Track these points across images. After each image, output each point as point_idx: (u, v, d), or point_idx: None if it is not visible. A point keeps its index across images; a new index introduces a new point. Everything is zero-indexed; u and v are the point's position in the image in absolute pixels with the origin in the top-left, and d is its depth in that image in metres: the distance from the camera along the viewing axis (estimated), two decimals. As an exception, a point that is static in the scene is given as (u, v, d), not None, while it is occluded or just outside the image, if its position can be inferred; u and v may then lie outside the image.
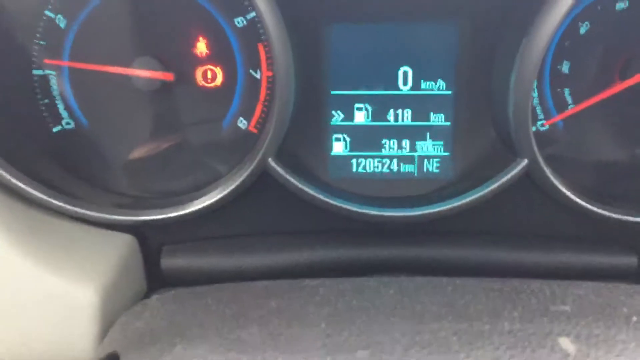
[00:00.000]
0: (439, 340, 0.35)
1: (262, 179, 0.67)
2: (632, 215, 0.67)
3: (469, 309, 0.39)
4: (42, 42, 0.69)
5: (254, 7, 0.62)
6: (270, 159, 0.65)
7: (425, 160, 0.73)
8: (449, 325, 0.37)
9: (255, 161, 0.64)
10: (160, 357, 0.39)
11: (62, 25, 0.69)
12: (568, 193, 0.65)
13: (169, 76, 0.69)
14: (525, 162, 0.64)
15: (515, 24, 0.63)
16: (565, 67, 0.70)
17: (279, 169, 0.65)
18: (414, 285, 0.44)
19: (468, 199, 0.65)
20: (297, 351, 0.37)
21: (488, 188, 0.65)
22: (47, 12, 0.69)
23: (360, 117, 0.72)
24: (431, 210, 0.65)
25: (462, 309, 0.39)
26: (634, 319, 0.39)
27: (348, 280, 0.47)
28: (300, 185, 0.66)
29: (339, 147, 0.73)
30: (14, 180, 0.60)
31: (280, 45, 0.63)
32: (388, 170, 0.74)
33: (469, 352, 0.35)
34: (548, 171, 0.64)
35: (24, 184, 0.61)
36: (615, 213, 0.66)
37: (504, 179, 0.65)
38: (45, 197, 0.62)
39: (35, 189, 0.62)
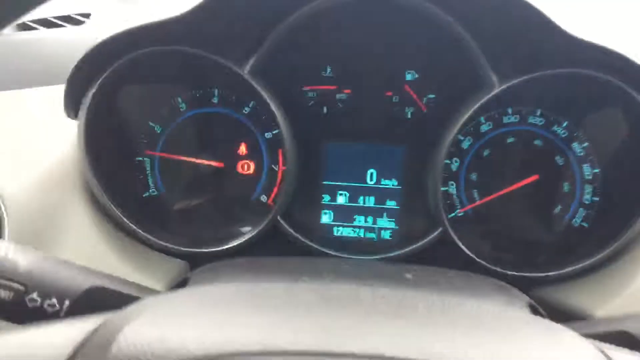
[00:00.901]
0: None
1: (273, 236, 1.03)
2: (519, 272, 0.94)
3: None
4: (144, 140, 1.10)
5: (278, 128, 1.01)
6: (278, 217, 1.01)
7: (382, 230, 1.09)
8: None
9: (269, 218, 1.00)
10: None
11: (158, 130, 1.08)
12: (472, 255, 0.98)
13: (220, 164, 1.08)
14: (439, 230, 0.99)
15: (431, 149, 1.01)
16: (473, 176, 1.07)
17: (284, 224, 1.01)
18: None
19: (396, 253, 0.99)
20: None
21: (410, 247, 0.99)
22: (150, 123, 1.08)
23: (341, 200, 1.09)
24: (373, 257, 1.00)
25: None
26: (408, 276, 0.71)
27: None
28: (299, 236, 1.01)
29: (326, 219, 1.10)
30: (124, 219, 0.96)
31: (291, 152, 1.00)
32: (358, 236, 1.09)
33: None
34: (456, 239, 0.98)
35: (129, 221, 0.96)
36: (503, 269, 0.94)
37: (422, 242, 0.99)
38: (139, 231, 0.96)
39: (134, 225, 0.96)
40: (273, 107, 0.98)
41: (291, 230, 1.02)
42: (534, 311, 0.70)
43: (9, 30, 1.27)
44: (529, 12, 0.84)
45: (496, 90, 0.92)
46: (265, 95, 0.97)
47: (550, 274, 0.95)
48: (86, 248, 0.91)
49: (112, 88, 0.96)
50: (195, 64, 0.98)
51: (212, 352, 0.38)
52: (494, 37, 0.93)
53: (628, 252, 0.92)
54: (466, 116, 0.93)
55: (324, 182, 1.09)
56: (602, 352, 0.43)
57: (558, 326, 0.47)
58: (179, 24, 0.87)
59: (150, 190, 1.09)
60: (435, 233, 0.99)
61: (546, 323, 0.49)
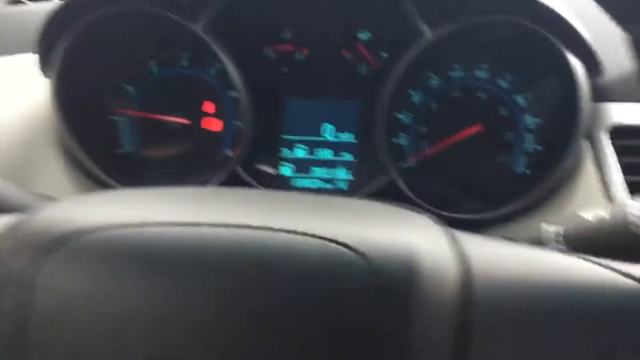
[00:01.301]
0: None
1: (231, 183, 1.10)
2: (462, 215, 1.02)
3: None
4: (117, 100, 1.19)
5: (234, 87, 1.09)
6: (240, 169, 1.09)
7: (338, 181, 1.16)
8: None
9: (229, 168, 1.08)
10: None
11: (130, 92, 1.19)
12: (418, 200, 1.06)
13: (187, 122, 1.17)
14: (385, 177, 1.06)
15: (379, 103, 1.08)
16: (424, 129, 1.13)
17: (246, 176, 1.09)
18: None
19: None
20: None
21: (360, 193, 1.07)
22: (122, 84, 1.18)
23: (300, 153, 1.17)
24: None
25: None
26: None
27: None
28: (260, 187, 1.09)
29: (285, 171, 1.18)
30: (99, 173, 1.05)
31: (247, 109, 1.08)
32: (315, 186, 1.17)
33: None
34: (403, 186, 1.05)
35: (103, 174, 1.04)
36: (449, 213, 1.00)
37: (371, 188, 1.06)
38: (112, 182, 1.05)
39: (108, 178, 1.05)
40: (229, 66, 1.06)
41: (253, 181, 1.09)
42: None
43: (0, 5, 1.37)
44: None
45: (427, 40, 0.98)
46: (220, 53, 1.04)
47: (488, 215, 1.01)
48: (57, 193, 0.99)
49: (79, 48, 1.04)
50: (157, 24, 1.06)
51: (102, 224, 0.46)
52: None
53: (558, 193, 0.99)
54: (403, 68, 0.99)
55: (283, 137, 1.16)
56: (447, 230, 0.50)
57: (418, 213, 0.53)
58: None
59: (124, 147, 1.18)
60: (383, 180, 1.05)
61: (414, 213, 0.54)
